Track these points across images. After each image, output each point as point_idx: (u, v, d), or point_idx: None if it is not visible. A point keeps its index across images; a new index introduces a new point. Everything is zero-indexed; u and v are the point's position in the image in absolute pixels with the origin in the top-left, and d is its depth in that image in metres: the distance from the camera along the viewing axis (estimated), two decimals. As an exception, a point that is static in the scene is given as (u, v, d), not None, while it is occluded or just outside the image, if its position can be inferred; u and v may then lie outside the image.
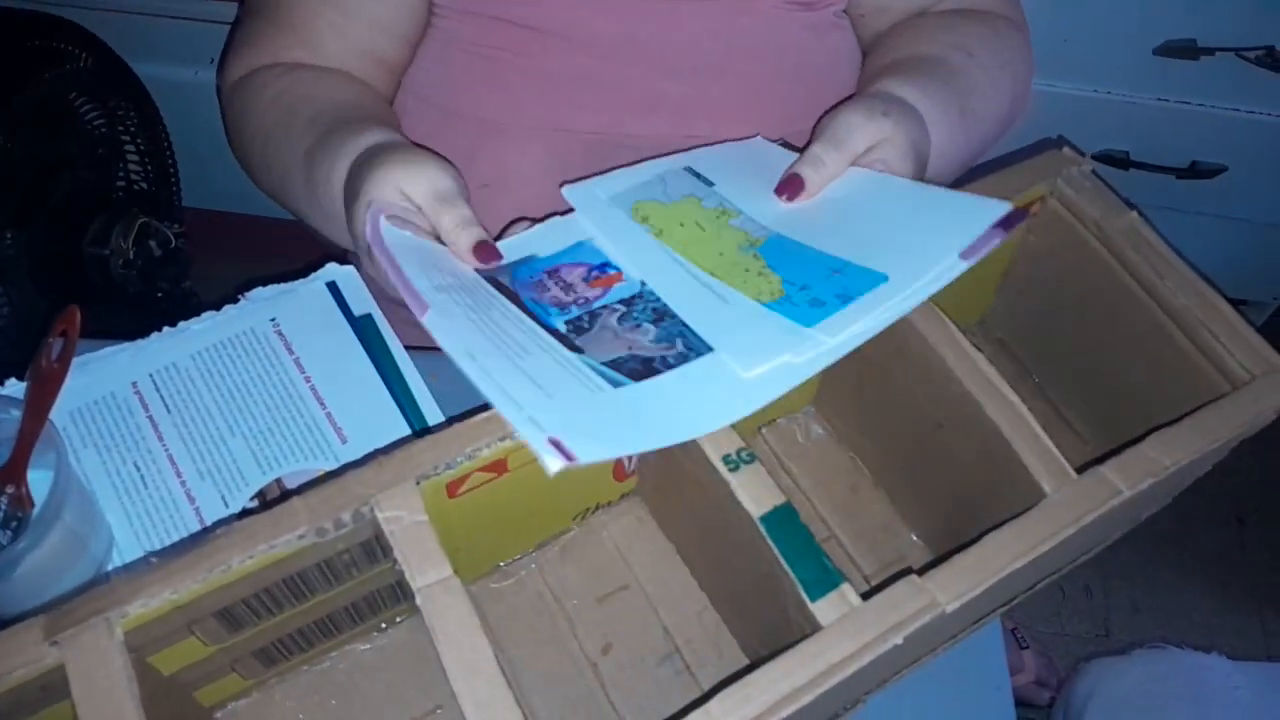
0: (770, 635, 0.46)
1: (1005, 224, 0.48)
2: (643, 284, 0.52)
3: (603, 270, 0.53)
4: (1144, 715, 0.71)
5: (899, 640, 0.39)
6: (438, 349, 0.60)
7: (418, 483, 0.42)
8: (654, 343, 0.48)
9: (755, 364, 0.46)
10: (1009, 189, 0.54)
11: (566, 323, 0.50)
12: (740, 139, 0.64)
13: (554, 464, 0.40)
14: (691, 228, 0.54)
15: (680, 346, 0.48)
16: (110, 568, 0.55)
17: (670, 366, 0.47)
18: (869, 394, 0.43)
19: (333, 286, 0.66)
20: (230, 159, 0.70)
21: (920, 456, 0.55)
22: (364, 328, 0.64)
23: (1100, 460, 0.45)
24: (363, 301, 0.65)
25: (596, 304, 0.51)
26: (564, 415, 0.42)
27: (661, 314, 0.50)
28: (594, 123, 0.65)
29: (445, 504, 0.45)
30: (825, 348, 0.46)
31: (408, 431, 0.60)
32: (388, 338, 0.63)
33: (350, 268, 0.67)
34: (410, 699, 0.52)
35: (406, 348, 0.63)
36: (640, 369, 0.46)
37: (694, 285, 0.51)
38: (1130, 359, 0.56)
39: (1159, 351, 0.53)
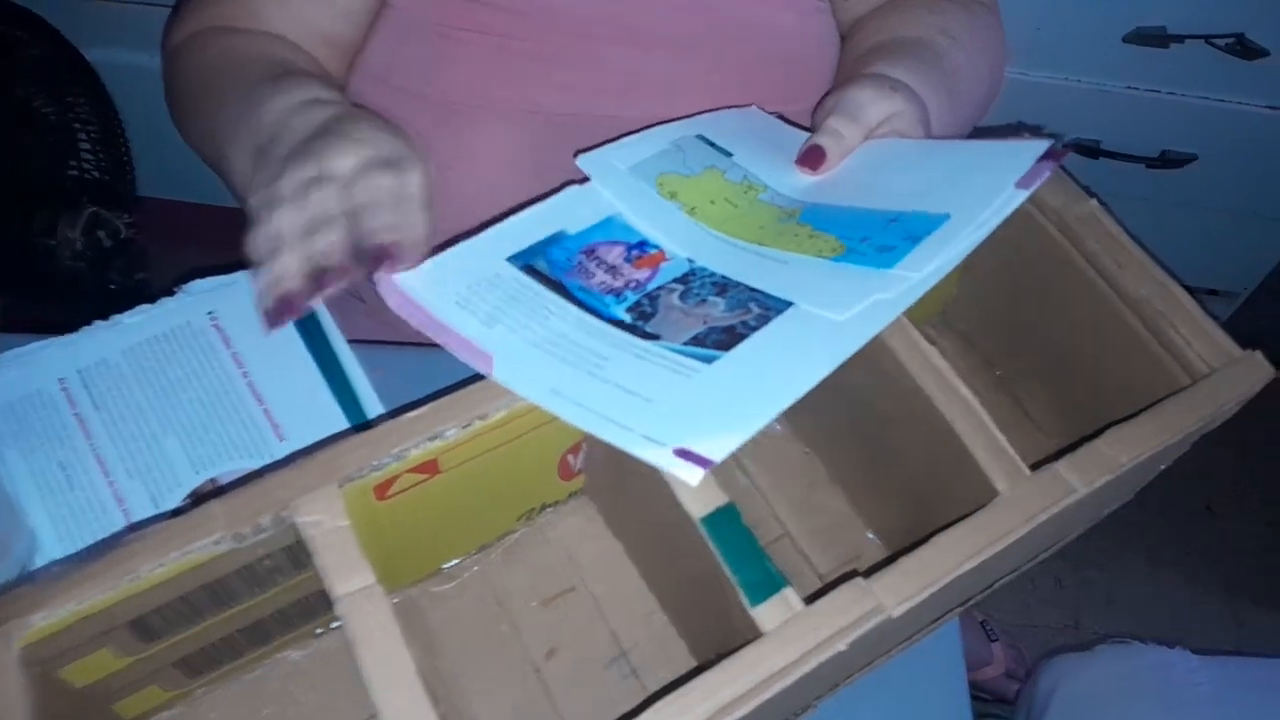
0: (718, 639, 0.45)
1: (1051, 157, 0.47)
2: (691, 261, 0.49)
3: (643, 249, 0.50)
4: (1106, 712, 0.70)
5: (843, 646, 0.38)
6: (381, 342, 0.58)
7: (341, 485, 0.40)
8: (727, 312, 0.46)
9: (847, 307, 0.44)
10: (967, 176, 0.52)
11: (628, 310, 0.47)
12: (736, 107, 0.62)
13: (693, 476, 0.38)
14: (723, 205, 0.52)
15: (757, 309, 0.45)
16: (33, 570, 0.52)
17: (754, 329, 0.44)
18: (823, 388, 0.41)
19: (274, 278, 0.63)
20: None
21: (875, 452, 0.53)
22: (305, 320, 0.62)
23: (1058, 456, 0.43)
24: (304, 294, 0.63)
25: (651, 286, 0.48)
26: (675, 418, 0.40)
27: (724, 285, 0.47)
28: (567, 104, 0.63)
29: (374, 506, 0.43)
30: (912, 281, 0.44)
31: (346, 425, 0.58)
32: (329, 331, 0.61)
33: (292, 259, 0.64)
34: (344, 709, 0.50)
35: (349, 341, 0.61)
36: (725, 338, 0.44)
37: (747, 256, 0.49)
38: (1092, 351, 0.54)
39: (1120, 343, 0.51)
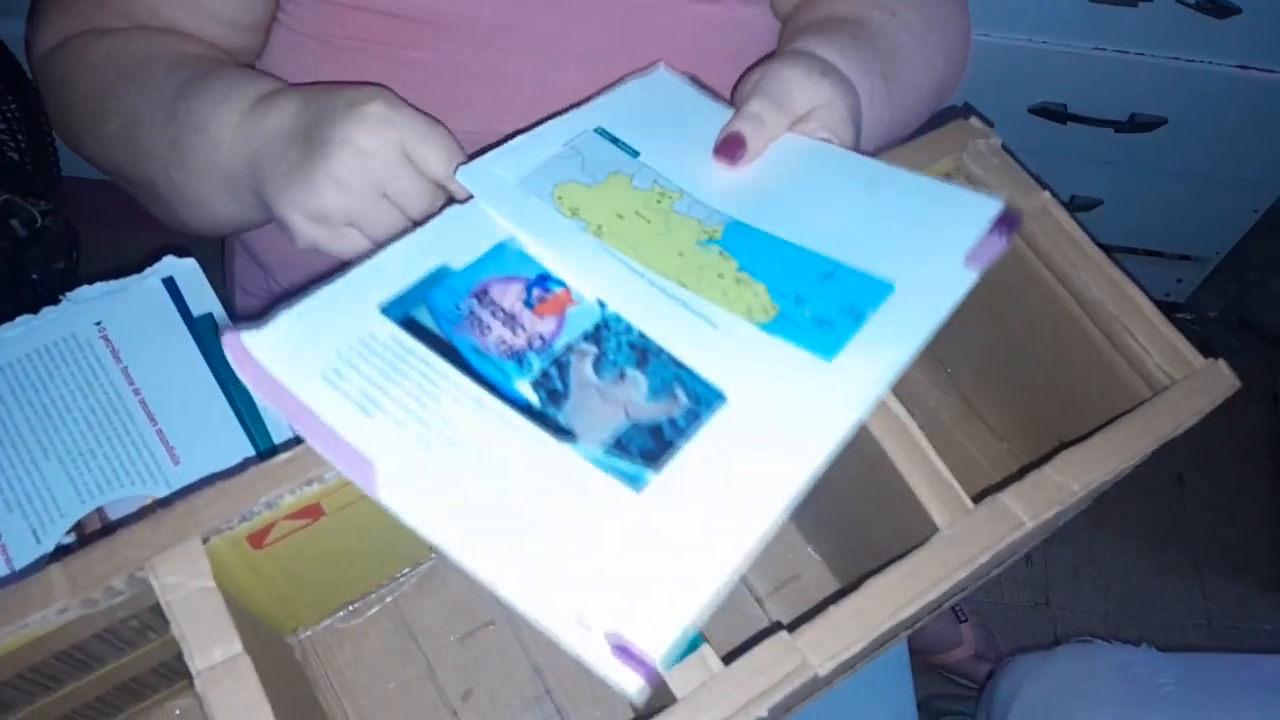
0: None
1: (1005, 224, 0.42)
2: (601, 305, 0.42)
3: (544, 287, 0.43)
4: (1069, 714, 0.68)
5: (763, 712, 0.34)
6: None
7: (205, 541, 0.36)
8: (651, 399, 0.39)
9: (788, 426, 0.37)
10: (912, 164, 0.48)
11: (534, 385, 0.39)
12: (640, 71, 0.55)
13: (633, 684, 0.30)
14: (633, 219, 0.45)
15: (684, 399, 0.38)
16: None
17: (682, 432, 0.38)
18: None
19: (169, 283, 0.58)
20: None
21: (814, 469, 0.49)
22: (203, 330, 0.57)
23: (1015, 473, 0.39)
24: (203, 300, 0.58)
25: (557, 344, 0.40)
26: (608, 583, 0.32)
27: (643, 350, 0.40)
28: (471, 121, 0.56)
29: (251, 555, 0.39)
30: (859, 390, 0.38)
31: (250, 450, 0.53)
32: (230, 342, 0.56)
33: (190, 261, 0.59)
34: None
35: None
36: (652, 446, 0.37)
37: (665, 302, 0.42)
38: (1046, 353, 0.51)
39: (1074, 346, 0.48)
